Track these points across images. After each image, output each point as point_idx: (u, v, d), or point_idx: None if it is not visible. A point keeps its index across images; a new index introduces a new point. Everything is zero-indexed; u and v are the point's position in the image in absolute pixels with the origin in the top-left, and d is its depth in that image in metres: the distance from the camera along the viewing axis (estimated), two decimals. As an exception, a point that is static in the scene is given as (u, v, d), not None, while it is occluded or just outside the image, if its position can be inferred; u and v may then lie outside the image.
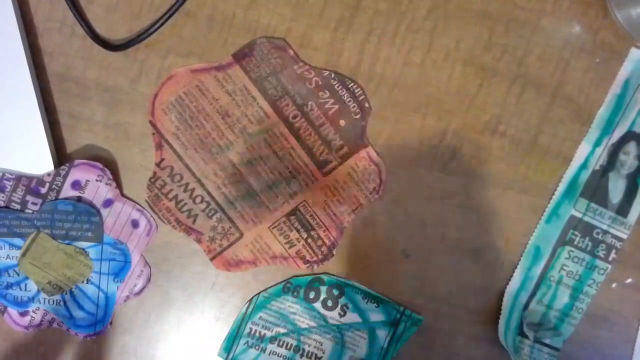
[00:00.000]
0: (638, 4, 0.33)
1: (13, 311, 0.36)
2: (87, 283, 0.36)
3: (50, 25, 0.35)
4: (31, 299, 0.36)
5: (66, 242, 0.35)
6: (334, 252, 0.37)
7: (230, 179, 0.36)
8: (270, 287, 0.37)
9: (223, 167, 0.36)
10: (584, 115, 0.36)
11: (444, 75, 0.36)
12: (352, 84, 0.36)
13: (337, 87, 0.36)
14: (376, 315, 0.37)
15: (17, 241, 0.35)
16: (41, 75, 0.36)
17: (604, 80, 0.36)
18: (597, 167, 0.36)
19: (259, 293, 0.37)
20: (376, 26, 0.35)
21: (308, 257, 0.37)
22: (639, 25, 0.33)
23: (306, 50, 0.36)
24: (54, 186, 0.35)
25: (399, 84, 0.36)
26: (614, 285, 0.37)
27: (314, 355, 0.37)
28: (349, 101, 0.36)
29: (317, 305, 0.37)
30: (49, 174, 0.35)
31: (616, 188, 0.36)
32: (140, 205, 0.36)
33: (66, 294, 0.36)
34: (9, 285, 0.35)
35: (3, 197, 0.35)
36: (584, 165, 0.36)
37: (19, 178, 0.35)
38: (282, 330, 0.37)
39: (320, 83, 0.36)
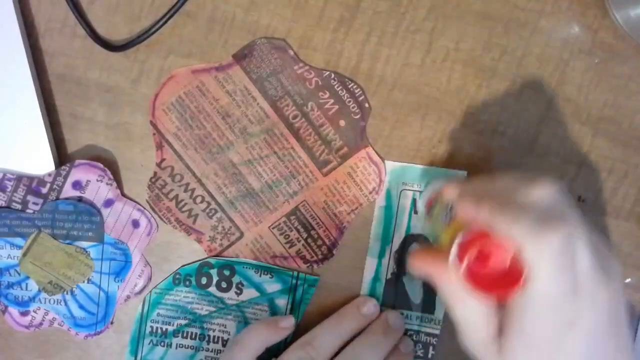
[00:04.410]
0: (637, 4, 0.33)
1: (14, 311, 0.36)
2: (87, 283, 0.36)
3: (51, 26, 0.36)
4: (32, 299, 0.36)
5: (67, 241, 0.35)
6: (334, 252, 0.37)
7: (230, 179, 0.36)
8: (161, 282, 0.37)
9: (223, 167, 0.36)
10: (584, 115, 0.36)
11: (443, 76, 0.36)
12: (352, 84, 0.36)
13: (337, 87, 0.36)
14: (272, 286, 0.37)
15: (18, 241, 0.35)
16: (42, 75, 0.36)
17: (603, 81, 0.36)
18: (389, 276, 0.37)
19: (151, 290, 0.37)
20: (376, 27, 0.36)
21: (308, 257, 0.37)
22: (637, 25, 0.34)
23: (306, 51, 0.36)
24: (54, 186, 0.35)
25: (398, 84, 0.36)
26: (613, 285, 0.37)
27: (220, 339, 0.37)
28: (349, 101, 0.36)
29: (212, 289, 0.36)
30: (49, 174, 0.35)
31: (414, 289, 0.37)
32: (141, 205, 0.36)
33: (67, 293, 0.36)
34: (10, 285, 0.36)
35: (4, 197, 0.35)
36: (376, 278, 0.37)
37: (20, 178, 0.35)
38: (183, 322, 0.37)
39: (320, 83, 0.36)
